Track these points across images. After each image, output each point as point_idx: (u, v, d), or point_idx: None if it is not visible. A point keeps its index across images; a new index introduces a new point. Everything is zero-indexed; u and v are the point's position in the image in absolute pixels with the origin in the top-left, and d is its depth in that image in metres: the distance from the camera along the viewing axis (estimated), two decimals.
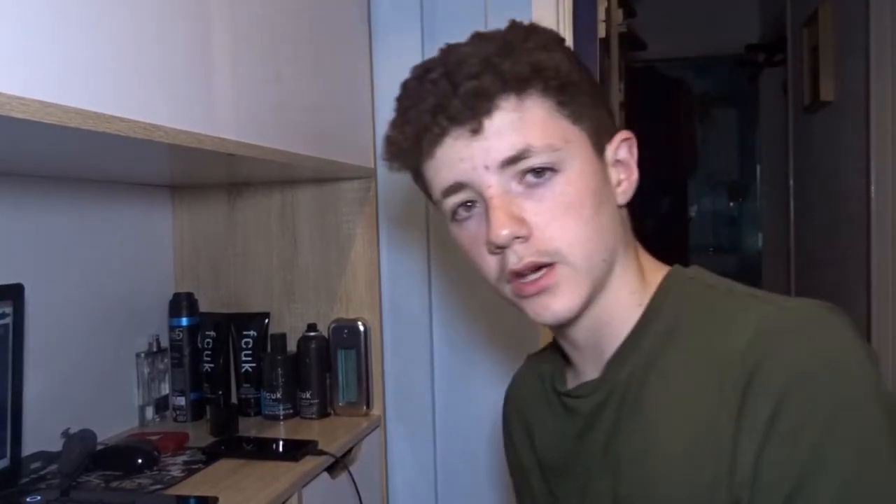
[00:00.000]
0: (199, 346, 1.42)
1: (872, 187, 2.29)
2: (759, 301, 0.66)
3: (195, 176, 1.36)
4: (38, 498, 0.91)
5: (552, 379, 0.81)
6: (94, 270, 1.29)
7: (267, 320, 1.45)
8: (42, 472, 1.05)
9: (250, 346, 1.43)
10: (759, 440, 0.58)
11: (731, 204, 5.24)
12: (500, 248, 0.67)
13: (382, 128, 1.58)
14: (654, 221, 4.13)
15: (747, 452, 0.59)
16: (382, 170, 1.43)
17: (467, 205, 0.69)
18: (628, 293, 0.72)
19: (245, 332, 1.43)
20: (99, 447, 1.11)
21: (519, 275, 0.67)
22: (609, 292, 0.71)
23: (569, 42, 1.36)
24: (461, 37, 1.52)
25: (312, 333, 1.39)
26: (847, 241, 2.54)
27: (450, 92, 0.66)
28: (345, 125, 1.32)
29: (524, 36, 0.68)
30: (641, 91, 3.53)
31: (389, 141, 0.73)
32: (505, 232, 0.65)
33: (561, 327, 0.74)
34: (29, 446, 1.04)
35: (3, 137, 0.73)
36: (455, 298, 1.44)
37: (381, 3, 1.42)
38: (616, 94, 2.22)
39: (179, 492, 1.00)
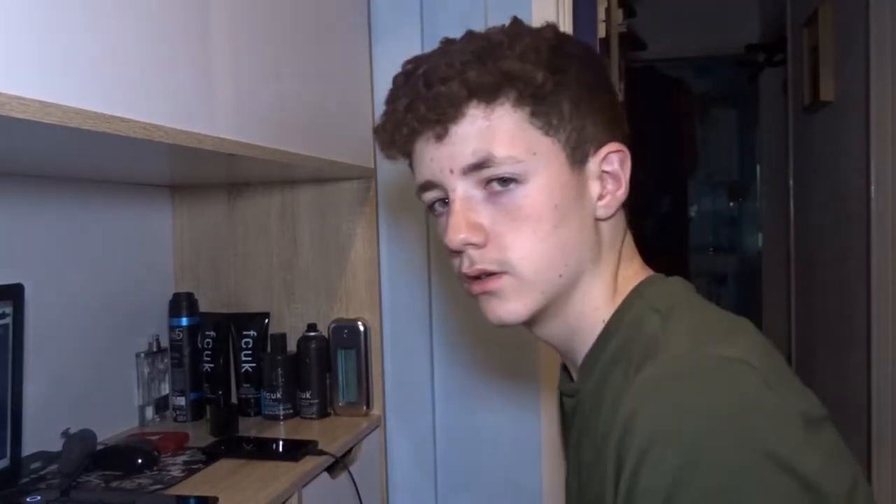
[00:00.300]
0: (199, 346, 1.42)
1: (872, 187, 2.29)
2: (664, 342, 0.62)
3: (195, 176, 1.36)
4: (38, 498, 0.91)
5: (563, 374, 0.81)
6: (94, 270, 1.29)
7: (267, 320, 1.45)
8: (42, 472, 1.05)
9: (250, 346, 1.43)
10: (627, 487, 0.57)
11: (731, 204, 5.24)
12: (455, 252, 0.69)
13: None
14: (654, 221, 4.14)
15: (622, 496, 0.58)
16: (382, 170, 1.43)
17: (443, 201, 0.71)
18: (593, 308, 0.71)
19: (245, 332, 1.43)
20: (99, 447, 1.11)
21: (469, 276, 0.70)
22: (574, 305, 0.71)
23: None
24: None
25: (312, 333, 1.39)
26: (847, 241, 2.54)
27: (424, 93, 0.67)
28: (345, 125, 1.32)
29: (510, 41, 0.67)
30: (641, 91, 3.53)
31: (375, 132, 0.75)
32: (461, 237, 0.67)
33: (528, 328, 0.74)
34: (29, 446, 1.04)
35: (3, 137, 0.73)
36: (455, 298, 1.44)
37: (381, 3, 1.42)
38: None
39: (179, 492, 1.00)
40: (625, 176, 0.70)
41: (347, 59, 1.34)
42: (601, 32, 1.73)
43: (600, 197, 0.70)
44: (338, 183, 1.43)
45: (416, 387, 1.45)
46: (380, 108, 1.51)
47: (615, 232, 0.72)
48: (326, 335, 1.40)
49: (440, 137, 0.67)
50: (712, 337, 0.62)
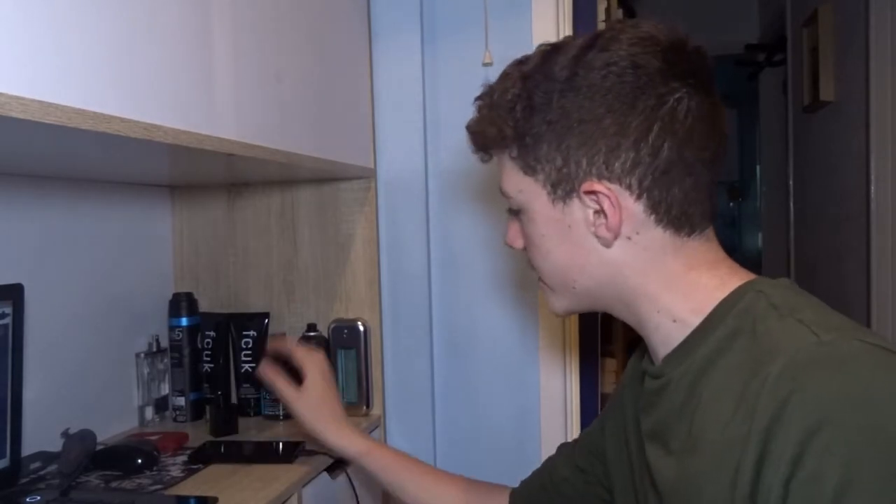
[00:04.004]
0: (199, 346, 1.42)
1: (872, 187, 2.29)
2: (806, 329, 0.61)
3: (195, 176, 1.36)
4: (38, 498, 0.91)
5: (644, 354, 0.81)
6: (94, 270, 1.29)
7: (267, 320, 1.45)
8: (42, 472, 1.05)
9: (250, 346, 1.43)
10: (786, 474, 0.56)
11: (731, 204, 5.25)
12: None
13: (382, 128, 1.59)
14: None
15: (773, 484, 0.57)
16: (382, 170, 1.44)
17: None
18: (670, 321, 0.72)
19: (245, 332, 1.43)
20: (99, 447, 1.11)
21: None
22: (636, 313, 0.74)
23: None
24: (460, 37, 1.53)
25: (312, 333, 1.39)
26: (847, 241, 2.54)
27: None
28: (345, 125, 1.32)
29: (497, 88, 0.75)
30: None
31: None
32: (506, 241, 0.82)
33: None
34: (29, 446, 1.04)
35: (3, 137, 0.73)
36: (455, 298, 1.44)
37: (381, 3, 1.42)
38: None
39: (179, 492, 1.00)
40: (614, 212, 0.70)
41: (347, 59, 1.34)
42: None
43: (594, 226, 0.71)
44: (338, 183, 1.43)
45: (416, 387, 1.45)
46: (380, 108, 1.53)
47: (652, 251, 0.72)
48: (326, 335, 1.40)
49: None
50: (844, 329, 0.62)
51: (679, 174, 0.69)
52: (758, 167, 4.46)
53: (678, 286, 0.72)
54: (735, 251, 5.12)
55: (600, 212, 0.71)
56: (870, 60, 2.26)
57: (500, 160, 0.77)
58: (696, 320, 0.70)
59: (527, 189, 0.74)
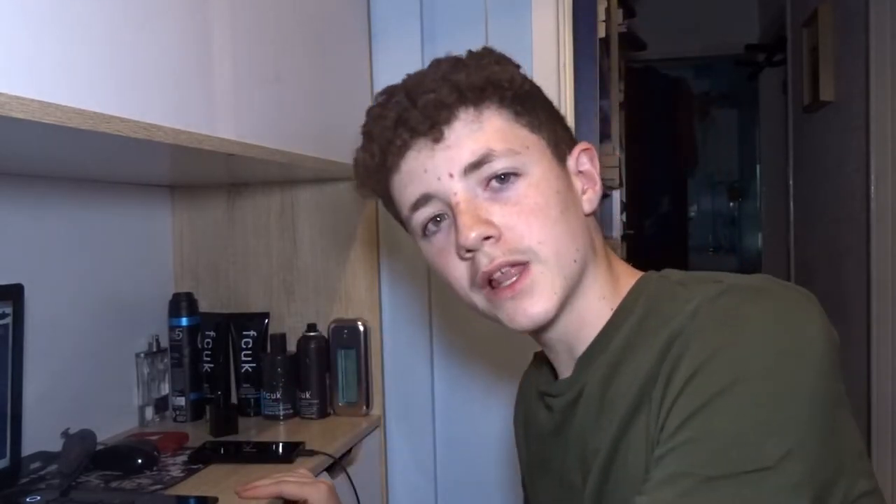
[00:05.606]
0: (199, 346, 1.42)
1: (872, 187, 2.29)
2: (713, 282, 0.66)
3: (195, 176, 1.36)
4: (38, 498, 0.91)
5: (538, 378, 0.83)
6: (94, 270, 1.29)
7: (267, 320, 1.45)
8: (42, 472, 1.04)
9: (250, 346, 1.43)
10: (673, 398, 0.60)
11: (731, 204, 5.25)
12: (470, 252, 0.68)
13: None
14: (654, 221, 4.14)
15: (664, 411, 0.61)
16: None
17: (436, 219, 0.71)
18: (599, 298, 0.73)
19: (245, 332, 1.43)
20: (99, 447, 1.11)
21: (492, 280, 0.68)
22: (581, 299, 0.72)
23: (569, 42, 1.36)
24: (460, 37, 1.53)
25: (312, 333, 1.39)
26: (847, 241, 2.54)
27: (410, 106, 0.69)
28: (345, 125, 1.31)
29: (478, 55, 0.73)
30: (641, 91, 3.53)
31: (356, 163, 0.76)
32: (473, 234, 0.66)
33: (536, 332, 0.74)
34: (29, 446, 1.04)
35: (3, 137, 0.73)
36: (455, 298, 1.43)
37: (381, 3, 1.42)
38: (616, 94, 2.22)
39: (179, 492, 1.00)
40: (596, 171, 0.75)
41: (347, 59, 1.34)
42: (601, 32, 1.73)
43: (583, 192, 0.74)
44: (338, 183, 1.43)
45: (415, 387, 1.45)
46: None
47: (597, 228, 0.76)
48: (326, 335, 1.40)
49: (436, 141, 0.68)
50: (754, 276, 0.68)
51: None
52: (758, 167, 4.46)
53: (609, 271, 0.75)
54: (735, 251, 5.13)
55: (582, 173, 0.74)
56: (870, 60, 2.26)
57: (484, 118, 0.69)
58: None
59: (534, 146, 0.70)
